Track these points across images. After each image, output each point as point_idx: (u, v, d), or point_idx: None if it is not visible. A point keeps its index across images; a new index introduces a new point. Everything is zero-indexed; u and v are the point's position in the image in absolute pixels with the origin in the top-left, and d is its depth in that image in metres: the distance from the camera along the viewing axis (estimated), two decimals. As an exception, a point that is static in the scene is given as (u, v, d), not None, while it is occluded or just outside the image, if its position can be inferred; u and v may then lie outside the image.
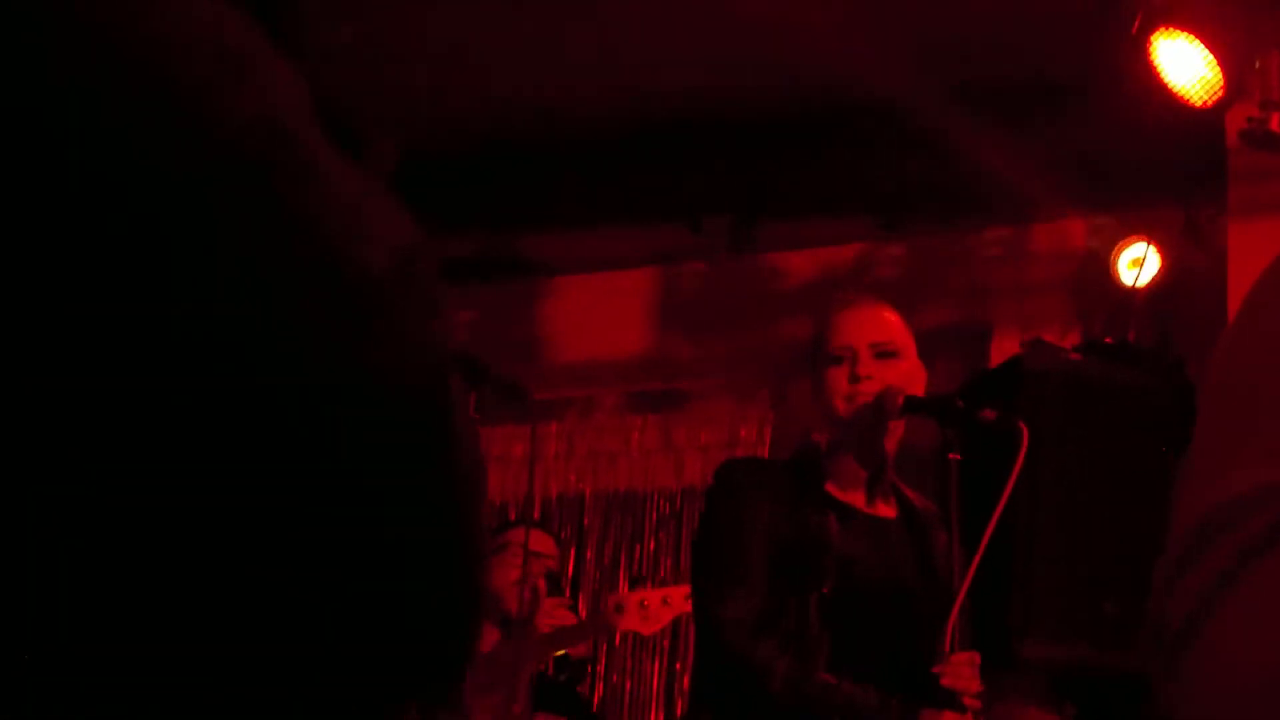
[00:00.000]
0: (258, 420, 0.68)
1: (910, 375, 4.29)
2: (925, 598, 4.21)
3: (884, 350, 4.26)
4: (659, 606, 5.33)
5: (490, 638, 5.55)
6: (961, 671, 4.01)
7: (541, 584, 5.76)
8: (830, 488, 4.26)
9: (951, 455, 4.26)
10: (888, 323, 4.33)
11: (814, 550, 4.08)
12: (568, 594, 6.72)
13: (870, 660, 4.07)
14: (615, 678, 7.59)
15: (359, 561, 0.72)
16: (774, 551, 4.09)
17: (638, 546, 7.83)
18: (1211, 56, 5.26)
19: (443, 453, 0.75)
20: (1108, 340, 6.14)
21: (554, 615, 5.59)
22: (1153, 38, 5.31)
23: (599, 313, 7.86)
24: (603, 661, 7.62)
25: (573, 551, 7.86)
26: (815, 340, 4.36)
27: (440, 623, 0.78)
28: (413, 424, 0.73)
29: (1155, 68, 5.33)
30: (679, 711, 7.45)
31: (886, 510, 4.34)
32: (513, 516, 7.49)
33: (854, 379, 4.24)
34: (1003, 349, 6.56)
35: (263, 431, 0.68)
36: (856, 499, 4.29)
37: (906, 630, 4.17)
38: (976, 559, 4.05)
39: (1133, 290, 6.36)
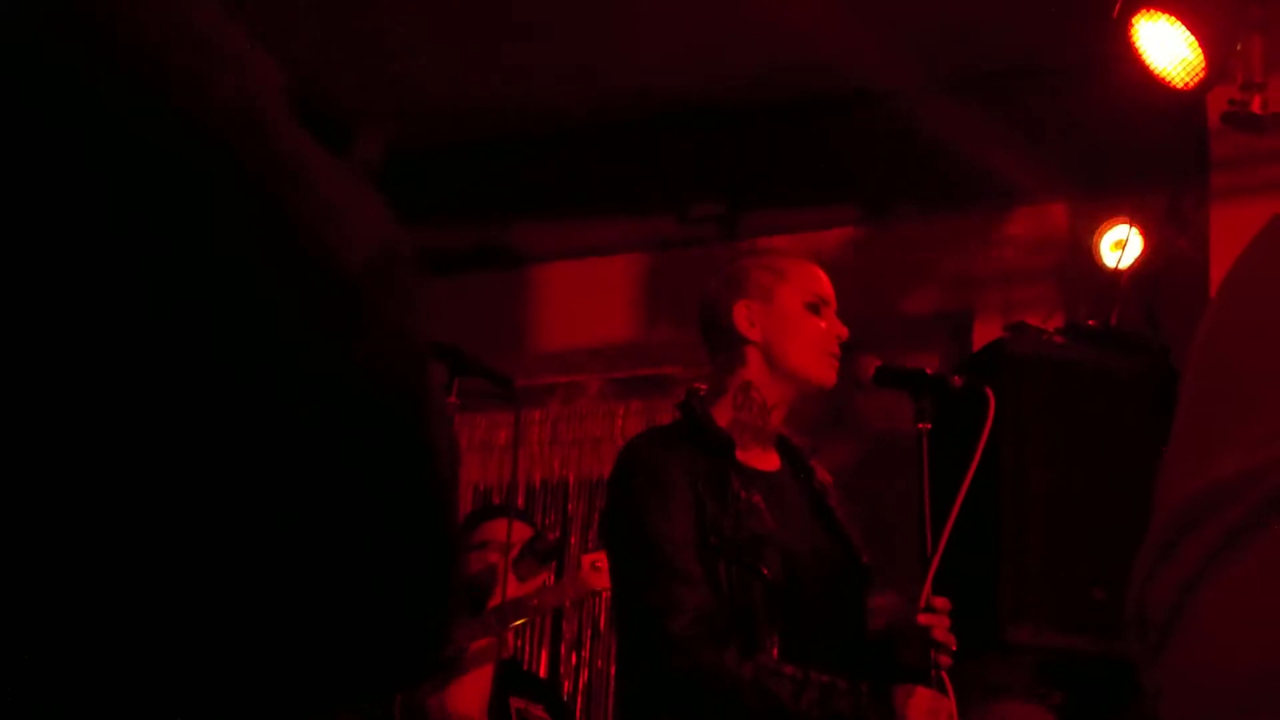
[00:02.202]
0: (239, 415, 0.68)
1: None
2: (840, 556, 4.16)
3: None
4: None
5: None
6: (942, 620, 3.99)
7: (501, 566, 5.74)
8: (737, 453, 4.14)
9: (922, 425, 4.28)
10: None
11: (753, 538, 3.96)
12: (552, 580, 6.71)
13: (814, 638, 3.99)
14: (600, 663, 7.59)
15: (341, 556, 0.72)
16: (706, 543, 3.93)
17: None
18: (1193, 38, 5.26)
19: (420, 447, 0.75)
20: (1091, 324, 6.14)
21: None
22: (1134, 20, 5.31)
23: (584, 299, 7.86)
24: (587, 646, 7.62)
25: (557, 537, 7.85)
26: (769, 279, 4.26)
27: (419, 615, 0.78)
28: (392, 419, 0.73)
29: (1137, 50, 5.34)
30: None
31: (773, 459, 4.25)
32: (496, 502, 7.49)
33: (840, 337, 4.21)
34: (985, 334, 6.56)
35: (243, 426, 0.68)
36: (754, 458, 4.19)
37: (837, 596, 4.10)
38: (948, 528, 4.07)
39: (1116, 273, 6.36)
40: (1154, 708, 0.91)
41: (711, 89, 7.13)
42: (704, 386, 4.29)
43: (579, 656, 7.61)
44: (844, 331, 4.20)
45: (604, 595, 7.12)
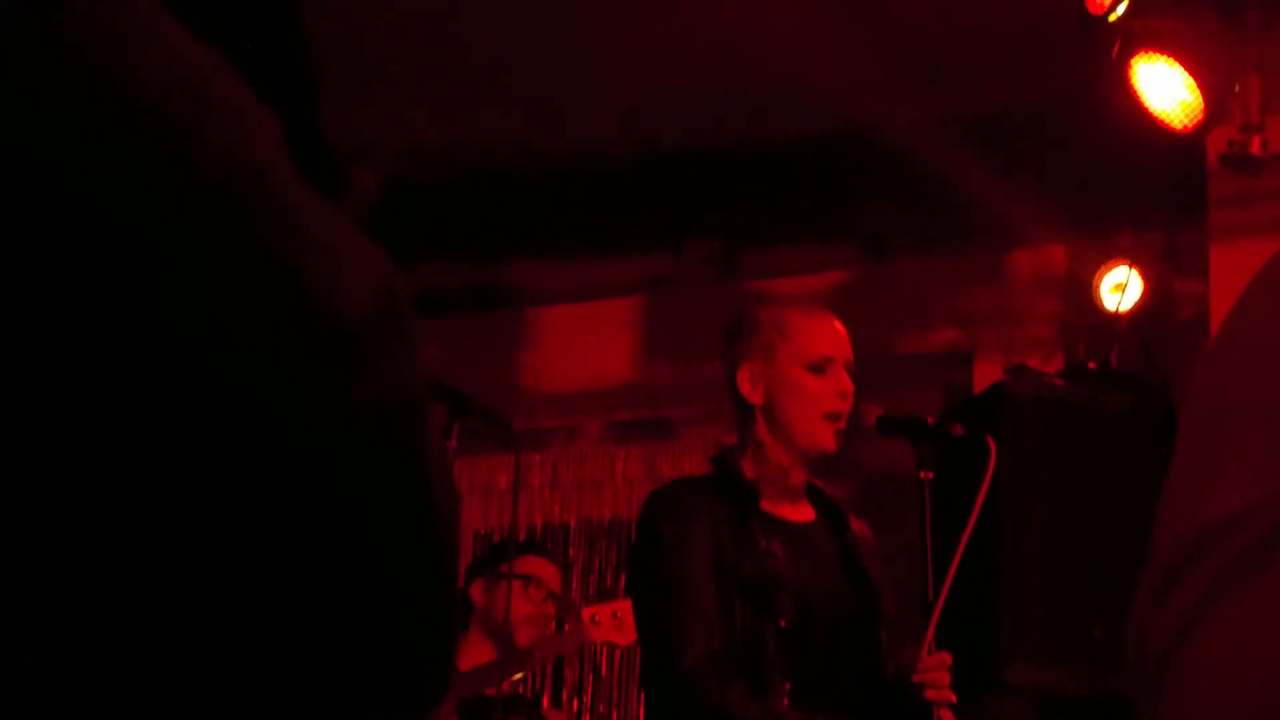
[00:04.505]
0: (237, 463, 0.68)
1: None
2: (864, 606, 4.17)
3: (851, 370, 4.24)
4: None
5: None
6: (939, 677, 3.99)
7: (550, 609, 5.84)
8: (761, 503, 4.18)
9: (923, 473, 4.28)
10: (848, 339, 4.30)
11: (769, 583, 4.00)
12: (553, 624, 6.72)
13: (827, 685, 4.02)
14: (601, 708, 7.58)
15: (339, 604, 0.72)
16: (724, 585, 3.98)
17: (623, 575, 7.83)
18: (1191, 80, 5.27)
19: (420, 496, 0.75)
20: (1091, 365, 6.14)
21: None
22: (1133, 62, 5.32)
23: (583, 342, 7.86)
24: (589, 692, 7.61)
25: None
26: (772, 338, 4.26)
27: (417, 667, 0.78)
28: (391, 467, 0.73)
29: (1136, 92, 5.34)
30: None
31: (806, 511, 4.28)
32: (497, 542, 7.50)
33: (844, 395, 4.19)
34: (986, 375, 6.57)
35: (242, 474, 0.68)
36: (783, 509, 4.22)
37: (855, 646, 4.12)
38: (950, 575, 4.07)
39: (1115, 315, 6.37)
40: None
41: (709, 128, 7.14)
42: (734, 439, 4.30)
43: (580, 702, 7.60)
44: (849, 388, 4.19)
45: (602, 648, 7.15)
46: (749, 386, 4.24)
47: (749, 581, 3.98)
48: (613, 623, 5.38)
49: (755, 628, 3.95)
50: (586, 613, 5.53)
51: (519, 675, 5.68)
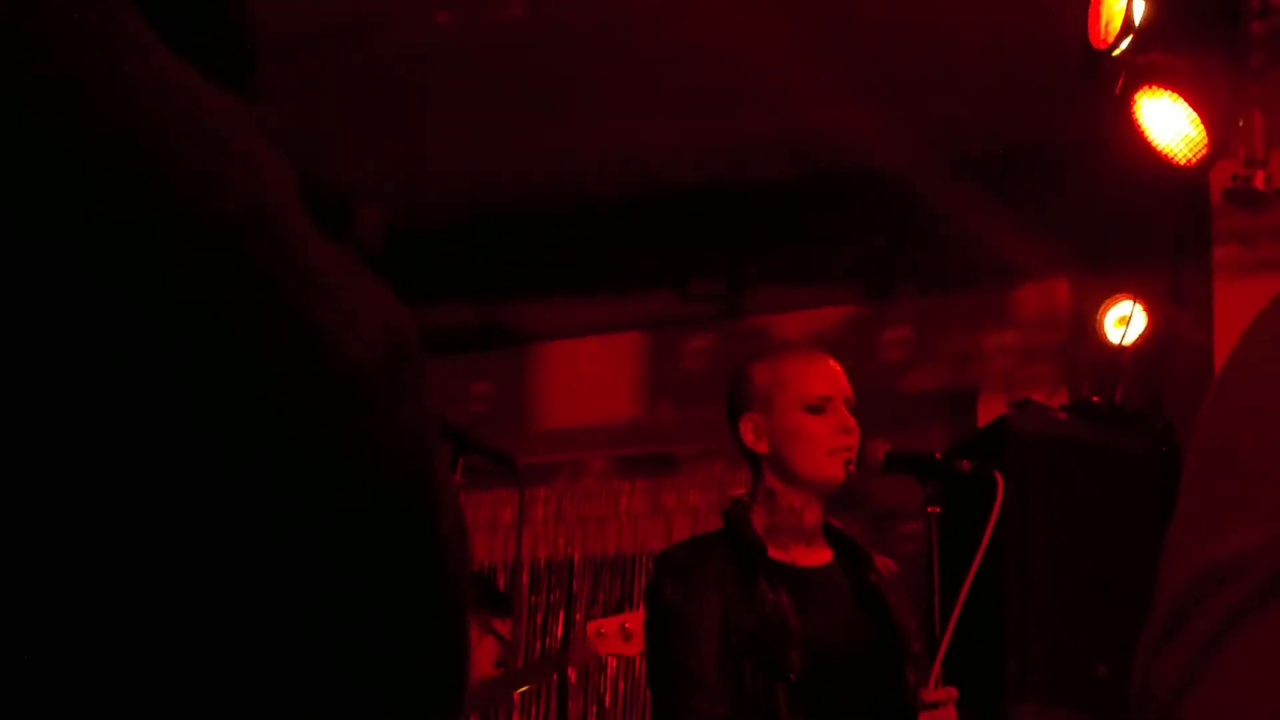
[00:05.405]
0: (244, 502, 0.67)
1: None
2: (882, 648, 4.16)
3: (852, 405, 4.24)
4: (642, 628, 5.35)
5: None
6: (945, 713, 3.99)
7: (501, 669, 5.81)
8: (772, 552, 4.18)
9: (931, 509, 4.28)
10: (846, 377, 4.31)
11: (776, 637, 4.00)
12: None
13: None
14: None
15: (344, 656, 0.72)
16: (732, 643, 3.99)
17: (627, 609, 7.82)
18: (1195, 115, 5.26)
19: (431, 543, 0.75)
20: (1095, 400, 6.14)
21: None
22: (1136, 97, 5.31)
23: (587, 378, 7.87)
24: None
25: (562, 615, 7.85)
26: (768, 387, 4.26)
27: (427, 698, 0.77)
28: (400, 507, 0.73)
29: (1139, 127, 5.34)
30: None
31: (822, 554, 4.27)
32: (501, 582, 7.50)
33: (846, 430, 4.20)
34: (990, 410, 6.56)
35: (248, 513, 0.68)
36: (797, 555, 4.21)
37: (876, 688, 4.11)
38: (957, 610, 4.06)
39: (1119, 350, 6.36)
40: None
41: (713, 168, 7.15)
42: (744, 490, 4.32)
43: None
44: (851, 423, 4.20)
45: (607, 662, 7.12)
46: (753, 438, 4.26)
47: (754, 638, 3.99)
48: (619, 634, 5.35)
49: (766, 685, 3.97)
50: (591, 626, 5.49)
51: (523, 690, 5.65)
